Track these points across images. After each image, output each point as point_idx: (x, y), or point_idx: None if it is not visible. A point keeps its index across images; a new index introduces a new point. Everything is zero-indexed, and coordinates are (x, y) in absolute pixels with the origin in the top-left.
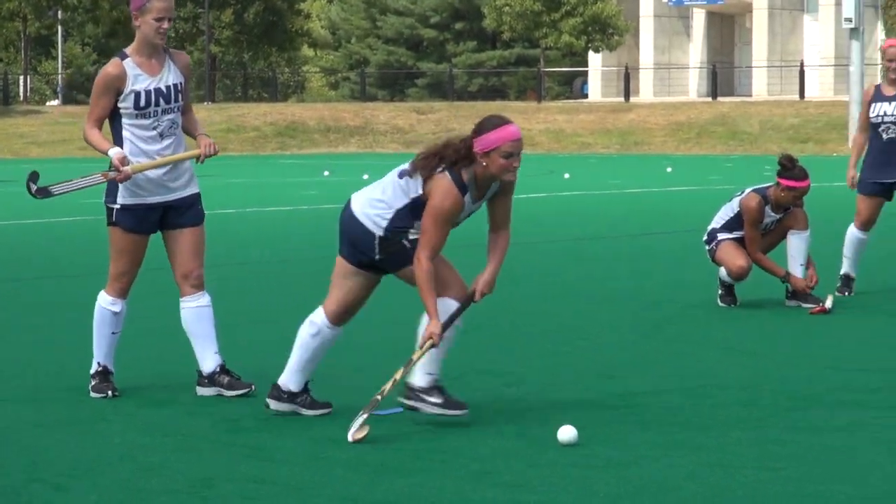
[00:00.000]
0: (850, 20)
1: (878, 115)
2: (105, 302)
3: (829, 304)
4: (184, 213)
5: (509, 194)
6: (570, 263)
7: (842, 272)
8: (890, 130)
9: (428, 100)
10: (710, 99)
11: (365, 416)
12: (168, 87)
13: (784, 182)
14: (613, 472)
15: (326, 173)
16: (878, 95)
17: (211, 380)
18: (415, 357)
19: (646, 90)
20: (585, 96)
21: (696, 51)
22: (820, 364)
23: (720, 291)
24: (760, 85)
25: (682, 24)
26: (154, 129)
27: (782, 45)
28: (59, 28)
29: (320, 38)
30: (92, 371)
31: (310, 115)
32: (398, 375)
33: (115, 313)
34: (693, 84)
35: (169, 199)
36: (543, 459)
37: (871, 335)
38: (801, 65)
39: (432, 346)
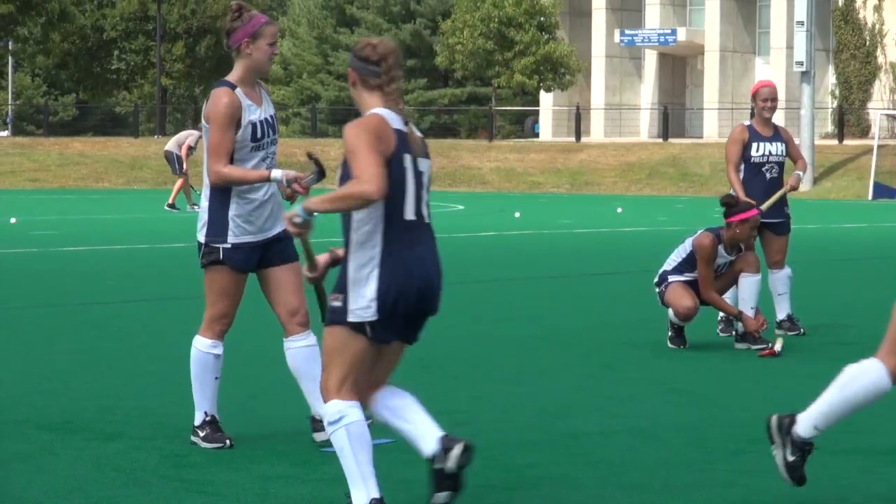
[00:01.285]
0: (801, 63)
1: (762, 155)
2: (205, 346)
3: (778, 346)
4: (282, 249)
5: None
6: (519, 302)
7: (782, 316)
8: (773, 170)
9: None
10: (661, 140)
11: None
12: (272, 117)
13: (734, 219)
14: None
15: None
16: (756, 136)
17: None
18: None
19: (597, 130)
20: (537, 135)
21: (647, 92)
22: (768, 407)
23: (669, 333)
24: (711, 127)
25: (633, 65)
26: (264, 160)
27: (734, 88)
28: (10, 59)
29: (272, 74)
30: (198, 422)
31: None
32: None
33: (217, 356)
34: (644, 125)
35: (269, 236)
36: (492, 499)
37: (819, 378)
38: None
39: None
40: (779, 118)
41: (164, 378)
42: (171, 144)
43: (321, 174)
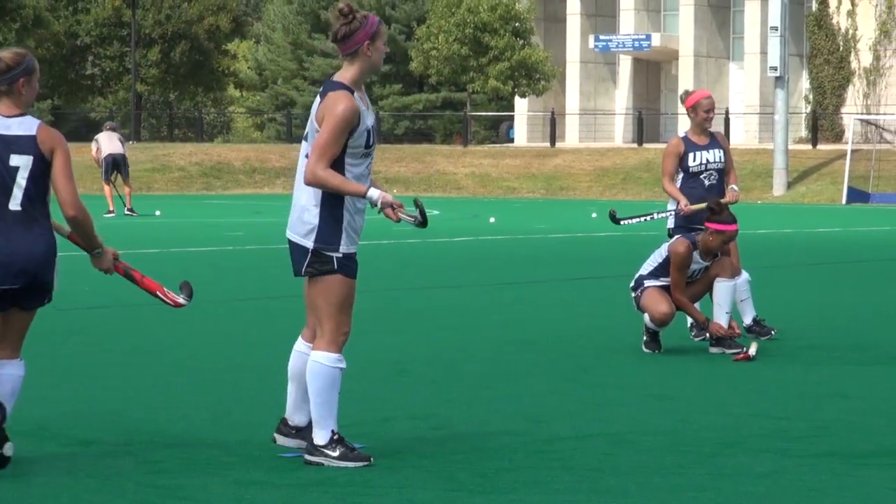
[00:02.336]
0: (775, 69)
1: (700, 164)
2: (332, 361)
3: (752, 351)
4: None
5: None
6: (494, 307)
7: (748, 321)
8: (712, 177)
9: None
10: (635, 145)
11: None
12: (377, 123)
13: (712, 226)
14: None
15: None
16: (692, 146)
17: (299, 432)
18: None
19: (571, 135)
20: (511, 141)
21: (621, 97)
22: (743, 411)
23: (644, 338)
24: (685, 131)
25: (608, 70)
26: (367, 167)
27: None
28: None
29: (247, 79)
30: (324, 441)
31: (235, 155)
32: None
33: (343, 370)
34: (619, 130)
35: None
36: (471, 503)
37: (794, 383)
38: (727, 112)
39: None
40: (753, 123)
41: (138, 383)
42: (116, 147)
43: (421, 224)
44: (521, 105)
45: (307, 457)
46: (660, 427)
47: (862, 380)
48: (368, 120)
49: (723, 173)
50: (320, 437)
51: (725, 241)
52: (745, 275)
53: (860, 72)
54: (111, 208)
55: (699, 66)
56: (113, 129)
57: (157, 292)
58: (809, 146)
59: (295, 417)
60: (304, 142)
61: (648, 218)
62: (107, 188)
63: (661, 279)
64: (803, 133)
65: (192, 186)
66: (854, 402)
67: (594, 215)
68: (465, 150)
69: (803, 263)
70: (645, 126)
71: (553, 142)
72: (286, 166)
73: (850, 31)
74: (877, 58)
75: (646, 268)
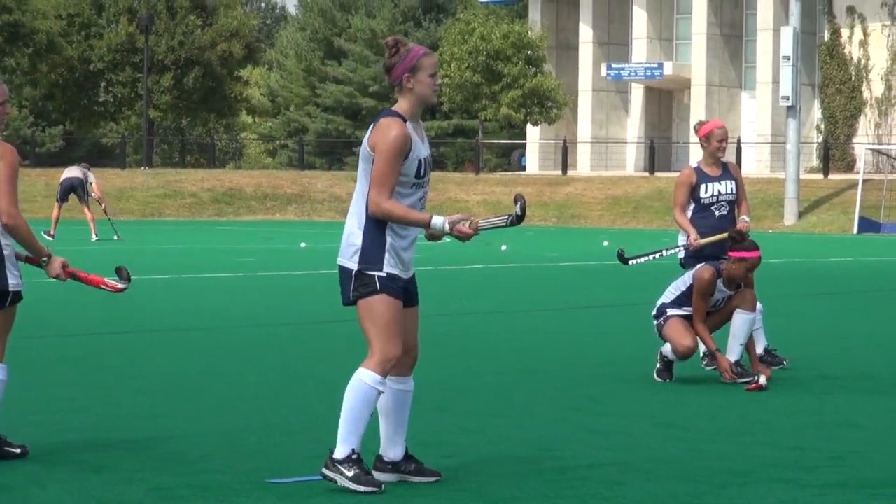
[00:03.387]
0: (787, 98)
1: (711, 196)
2: (373, 381)
3: (763, 380)
4: (413, 292)
5: None
6: (505, 335)
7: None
8: (723, 208)
9: None
10: (647, 174)
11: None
12: (431, 156)
13: (735, 254)
14: None
15: (303, 244)
16: (704, 177)
17: (395, 466)
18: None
19: (583, 164)
20: (523, 168)
21: (633, 125)
22: (754, 440)
23: (658, 366)
24: (697, 161)
25: (620, 98)
26: (420, 200)
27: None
28: None
29: (259, 105)
30: (342, 456)
31: (247, 181)
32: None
33: (381, 393)
34: (630, 158)
35: (408, 276)
36: None
37: (806, 413)
38: (739, 141)
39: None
40: (764, 153)
41: (152, 411)
42: (73, 172)
43: (515, 220)
44: (533, 133)
45: (324, 470)
46: (670, 456)
47: (874, 410)
48: (421, 151)
49: (734, 204)
50: (340, 451)
51: (749, 269)
52: (757, 305)
53: (872, 101)
54: (52, 231)
55: (711, 95)
56: (83, 166)
57: (101, 284)
58: (821, 175)
59: (389, 452)
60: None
61: (658, 255)
62: (55, 212)
63: (684, 308)
64: (815, 162)
65: (203, 212)
66: (866, 432)
67: (606, 244)
68: (477, 178)
69: (815, 293)
70: (657, 155)
71: (565, 170)
72: (298, 192)
73: (862, 61)
74: (888, 87)
75: (668, 295)
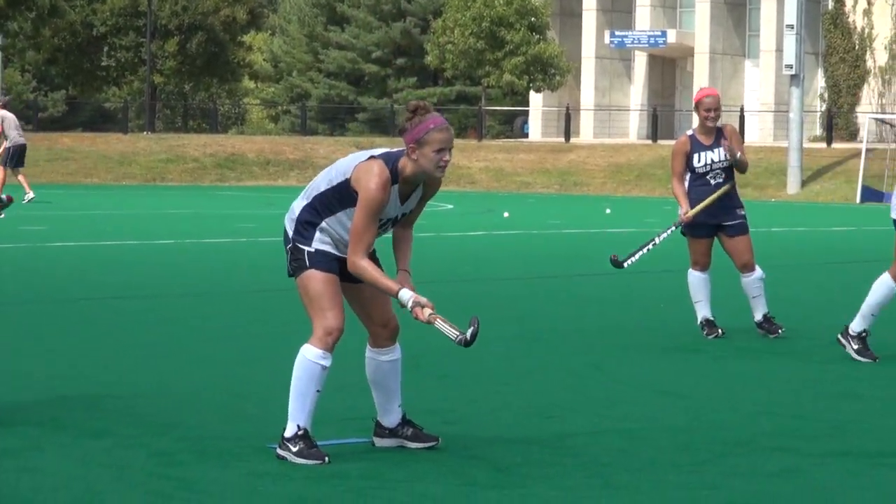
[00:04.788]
0: (790, 67)
1: (705, 165)
2: (314, 356)
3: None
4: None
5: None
6: (508, 302)
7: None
8: (718, 176)
9: (368, 135)
10: (650, 142)
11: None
12: (403, 215)
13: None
14: None
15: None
16: (697, 146)
17: (392, 432)
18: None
19: (586, 131)
20: (526, 136)
21: (636, 93)
22: (755, 409)
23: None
24: (693, 128)
25: (623, 66)
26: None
27: (722, 90)
28: (0, 54)
29: (262, 71)
30: (290, 434)
31: (249, 147)
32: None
33: (325, 367)
34: (633, 126)
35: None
36: (480, 497)
37: (808, 382)
38: (742, 110)
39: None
40: (768, 121)
41: (153, 375)
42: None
43: (465, 343)
44: (536, 100)
45: (277, 450)
46: (673, 424)
47: (876, 379)
48: (391, 211)
49: (730, 171)
50: (288, 430)
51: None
52: (758, 271)
53: (875, 70)
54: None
55: (714, 64)
56: (5, 106)
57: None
58: (824, 145)
59: (384, 420)
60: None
61: (651, 246)
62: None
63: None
64: (818, 131)
65: (206, 177)
66: (868, 401)
67: (608, 211)
68: (480, 145)
69: (817, 262)
70: (660, 123)
71: (567, 137)
72: (300, 158)
73: (866, 30)
74: (892, 57)
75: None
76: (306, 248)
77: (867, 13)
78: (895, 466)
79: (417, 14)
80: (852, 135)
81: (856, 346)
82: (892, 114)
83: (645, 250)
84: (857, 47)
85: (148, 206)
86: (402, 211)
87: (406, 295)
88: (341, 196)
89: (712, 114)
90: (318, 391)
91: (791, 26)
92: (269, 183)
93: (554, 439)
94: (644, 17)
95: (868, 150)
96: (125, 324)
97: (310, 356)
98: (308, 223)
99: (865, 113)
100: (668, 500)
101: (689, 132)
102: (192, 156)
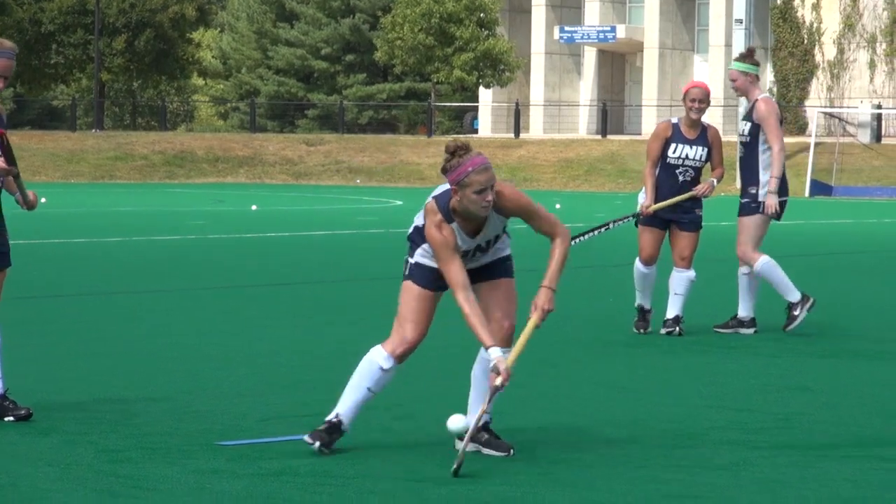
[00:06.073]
0: None
1: (678, 157)
2: (378, 356)
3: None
4: (487, 266)
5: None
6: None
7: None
8: (687, 173)
9: (318, 131)
10: (599, 137)
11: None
12: (487, 243)
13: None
14: None
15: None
16: (678, 136)
17: (478, 432)
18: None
19: (536, 127)
20: (475, 131)
21: (586, 88)
22: (705, 403)
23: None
24: (650, 123)
25: (572, 61)
26: (471, 260)
27: (672, 85)
28: None
29: (211, 68)
30: (328, 418)
31: (198, 144)
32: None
33: (384, 371)
34: (583, 121)
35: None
36: (431, 494)
37: (756, 375)
38: None
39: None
40: (716, 115)
41: (98, 374)
42: None
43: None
44: (486, 96)
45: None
46: (622, 418)
47: (824, 372)
48: (464, 244)
49: (700, 172)
50: (330, 414)
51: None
52: (692, 272)
53: (824, 65)
54: None
55: (664, 58)
56: None
57: None
58: None
59: (469, 418)
60: None
61: (604, 229)
62: None
63: None
64: None
65: (154, 175)
66: (816, 394)
67: (558, 206)
68: (429, 141)
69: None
70: (609, 118)
71: (517, 133)
72: (249, 155)
73: (815, 25)
74: (841, 51)
75: None
76: (409, 260)
77: (816, 8)
78: (841, 459)
79: (366, 10)
80: (801, 129)
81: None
82: (841, 108)
83: (596, 232)
84: (805, 42)
85: (97, 204)
86: (478, 242)
87: (494, 354)
88: (420, 232)
89: (697, 104)
90: (369, 389)
91: (740, 21)
92: (219, 180)
93: (505, 435)
94: (593, 12)
95: (816, 144)
96: (73, 322)
97: (374, 355)
98: (413, 241)
99: (814, 107)
100: (618, 494)
101: (675, 120)
102: (140, 153)
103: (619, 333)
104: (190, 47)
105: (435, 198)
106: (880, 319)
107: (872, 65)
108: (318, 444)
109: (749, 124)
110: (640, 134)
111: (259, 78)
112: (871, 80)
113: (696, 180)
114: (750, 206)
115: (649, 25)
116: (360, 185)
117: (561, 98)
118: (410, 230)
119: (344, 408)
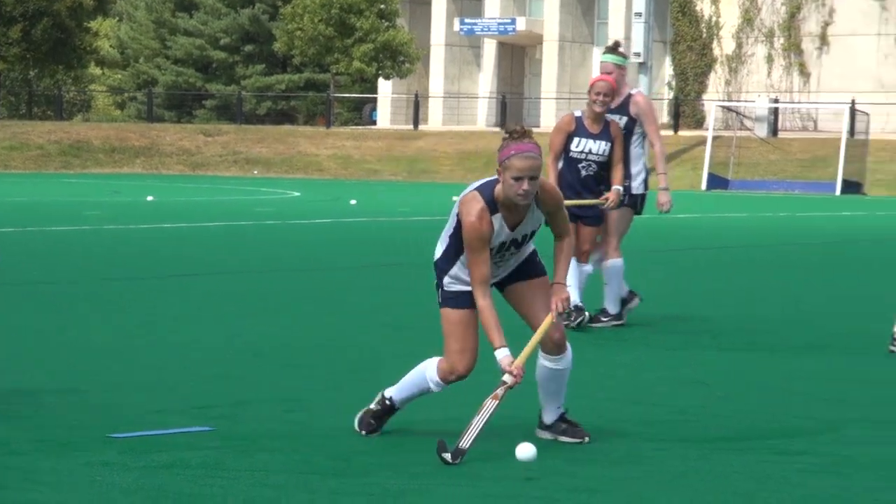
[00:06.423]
0: (638, 55)
1: (581, 152)
2: (430, 373)
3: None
4: (520, 270)
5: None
6: (355, 290)
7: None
8: (590, 168)
9: (216, 122)
10: (498, 129)
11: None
12: (524, 237)
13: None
14: (389, 503)
15: (145, 197)
16: (581, 130)
17: (548, 427)
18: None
19: (435, 119)
20: (374, 123)
21: (485, 81)
22: (602, 395)
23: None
24: (549, 116)
25: (472, 53)
26: (498, 264)
27: (571, 78)
28: None
29: (108, 57)
30: (380, 395)
31: (95, 134)
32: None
33: (429, 391)
34: (482, 114)
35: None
36: (324, 486)
37: (653, 368)
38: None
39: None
40: None
41: None
42: None
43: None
44: (385, 87)
45: None
46: (514, 412)
47: (720, 366)
48: (500, 237)
49: (603, 166)
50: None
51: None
52: (589, 266)
53: (722, 59)
54: None
55: (563, 51)
56: None
57: None
58: (671, 132)
59: (543, 415)
60: None
61: None
62: None
63: None
64: (665, 119)
65: (50, 165)
66: (713, 387)
67: (454, 199)
68: (328, 132)
69: (663, 249)
70: (508, 110)
71: (416, 124)
72: (146, 146)
73: (714, 19)
74: (739, 45)
75: None
76: (441, 289)
77: (714, 2)
78: (737, 451)
79: (266, 1)
80: (699, 122)
81: None
82: (738, 102)
83: None
84: (704, 35)
85: None
86: (514, 237)
87: (500, 355)
88: (458, 240)
89: (601, 98)
90: (417, 394)
91: (639, 14)
92: (115, 170)
93: (397, 428)
94: (493, 4)
95: (714, 138)
96: None
97: (429, 373)
98: (441, 269)
99: (712, 101)
100: (509, 487)
101: (578, 113)
102: (36, 143)
103: (515, 326)
104: (88, 36)
105: (478, 188)
106: (776, 312)
107: (770, 59)
108: (366, 432)
109: (625, 118)
110: (539, 126)
111: (157, 68)
112: (769, 74)
113: (598, 175)
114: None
115: (549, 18)
116: (257, 177)
117: (460, 90)
118: (435, 263)
119: (397, 393)
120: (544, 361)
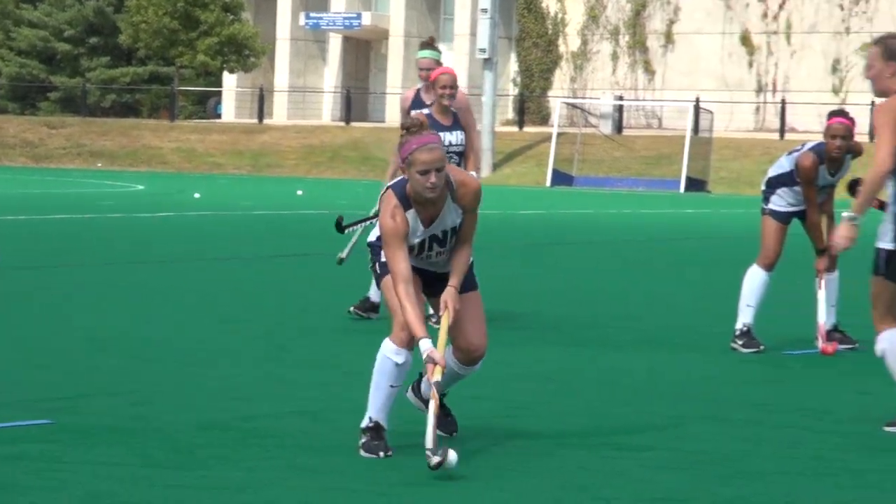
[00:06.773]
0: (483, 51)
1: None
2: (388, 349)
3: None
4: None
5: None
6: (194, 284)
7: None
8: (452, 160)
9: (60, 114)
10: (343, 124)
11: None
12: (444, 233)
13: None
14: (228, 496)
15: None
16: (435, 125)
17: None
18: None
19: (280, 113)
20: (219, 116)
21: (330, 75)
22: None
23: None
24: (394, 111)
25: (318, 48)
26: (418, 259)
27: (417, 73)
28: None
29: None
30: (363, 425)
31: None
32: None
33: (398, 364)
34: (327, 108)
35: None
36: (162, 478)
37: (491, 364)
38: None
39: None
40: None
41: None
42: None
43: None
44: (230, 81)
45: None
46: (360, 406)
47: (560, 360)
48: (416, 236)
49: (462, 156)
50: (363, 421)
51: (833, 136)
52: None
53: (568, 55)
54: None
55: (409, 47)
56: None
57: None
58: (516, 128)
59: (423, 386)
60: None
61: (375, 220)
62: None
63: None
64: (510, 115)
65: None
66: (552, 383)
67: (300, 192)
68: (172, 125)
69: (507, 245)
70: (353, 105)
71: (261, 118)
72: None
73: (560, 15)
74: (584, 42)
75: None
76: (378, 262)
77: None
78: (573, 446)
79: None
80: (544, 119)
81: (741, 342)
82: (583, 99)
83: (368, 222)
84: (549, 32)
85: None
86: (432, 233)
87: (424, 346)
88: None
89: (448, 90)
90: (392, 386)
91: (485, 10)
92: None
93: (239, 421)
94: None
95: (559, 135)
96: None
97: (385, 350)
98: (378, 248)
99: (557, 97)
100: (350, 481)
101: (427, 111)
102: None
103: (350, 321)
104: None
105: (390, 187)
106: (620, 307)
107: (615, 56)
108: (381, 453)
109: (463, 133)
110: (384, 121)
111: (1, 59)
112: (614, 71)
113: (459, 164)
114: None
115: (395, 13)
116: (101, 169)
117: (306, 84)
118: (372, 239)
119: (375, 410)
120: (454, 364)
